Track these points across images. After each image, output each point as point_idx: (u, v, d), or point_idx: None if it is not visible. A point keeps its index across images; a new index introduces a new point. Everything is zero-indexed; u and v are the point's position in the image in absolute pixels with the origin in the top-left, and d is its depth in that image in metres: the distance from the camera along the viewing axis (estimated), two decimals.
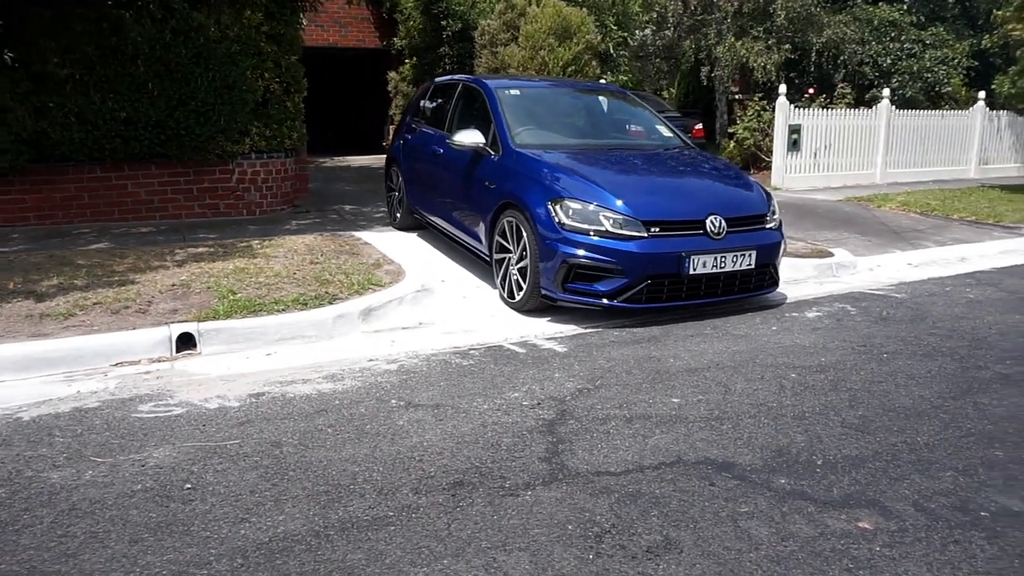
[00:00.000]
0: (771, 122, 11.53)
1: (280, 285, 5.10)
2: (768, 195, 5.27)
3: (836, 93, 12.68)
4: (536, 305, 4.85)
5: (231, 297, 4.76)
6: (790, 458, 2.79)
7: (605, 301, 4.62)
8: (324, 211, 8.94)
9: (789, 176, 11.52)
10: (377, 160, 13.62)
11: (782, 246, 5.09)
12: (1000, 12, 11.33)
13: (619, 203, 4.64)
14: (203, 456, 2.82)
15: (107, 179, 7.80)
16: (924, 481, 2.65)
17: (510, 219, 5.06)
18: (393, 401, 3.36)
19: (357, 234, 7.22)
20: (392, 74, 14.64)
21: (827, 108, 11.82)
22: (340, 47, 15.39)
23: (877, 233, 8.04)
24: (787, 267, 6.22)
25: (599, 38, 10.12)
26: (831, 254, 6.85)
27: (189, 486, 2.60)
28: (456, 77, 6.62)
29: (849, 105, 12.31)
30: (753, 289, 5.02)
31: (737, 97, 12.85)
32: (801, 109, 11.51)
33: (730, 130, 12.61)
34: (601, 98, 6.48)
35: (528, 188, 5.02)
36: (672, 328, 4.59)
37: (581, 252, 4.57)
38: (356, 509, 2.44)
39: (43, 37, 6.90)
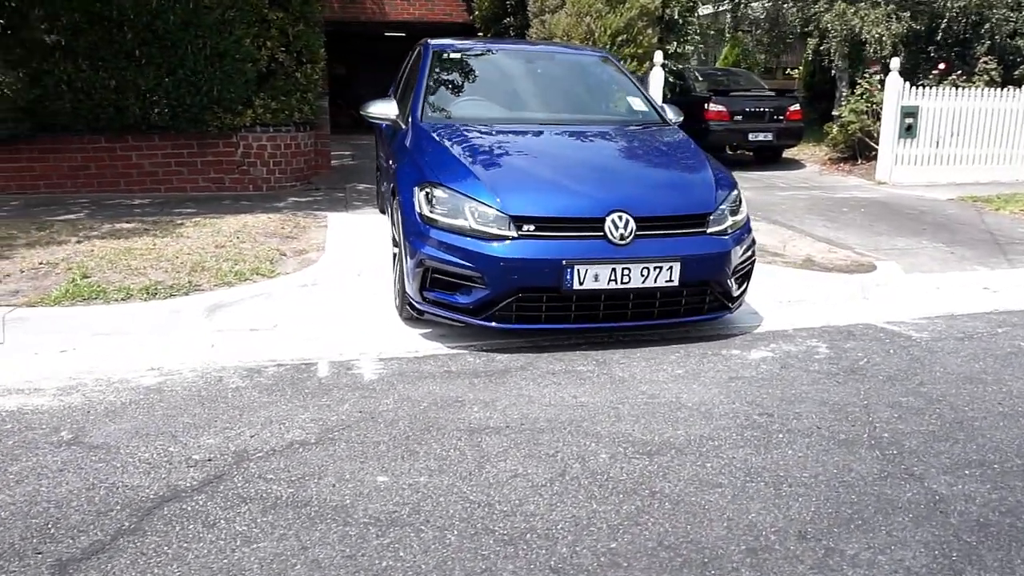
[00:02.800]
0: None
1: (149, 270, 4.58)
2: (725, 189, 3.95)
3: (977, 69, 10.22)
4: (410, 314, 3.94)
5: (78, 281, 4.31)
6: None
7: (466, 317, 3.64)
8: (335, 189, 8.45)
9: (900, 168, 9.46)
10: None
11: (731, 256, 3.77)
12: None
13: (486, 193, 3.60)
14: None
15: (112, 150, 7.78)
16: None
17: (396, 206, 4.19)
18: (64, 433, 2.66)
19: (328, 214, 6.63)
20: None
21: (959, 88, 9.55)
22: (427, 21, 14.96)
23: (971, 244, 6.20)
24: (803, 282, 4.87)
25: (658, 2, 8.74)
26: (873, 268, 5.28)
27: None
28: (423, 40, 5.77)
29: (992, 84, 9.88)
30: (684, 314, 3.78)
31: (867, 75, 10.80)
32: (923, 89, 9.39)
33: (834, 112, 10.63)
34: (571, 66, 5.32)
35: (405, 170, 4.10)
36: (542, 360, 3.50)
37: (438, 252, 3.61)
38: None
39: (34, 4, 6.88)
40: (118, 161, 7.83)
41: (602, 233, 3.54)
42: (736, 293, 3.94)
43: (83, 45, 7.03)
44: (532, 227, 3.53)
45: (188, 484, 2.27)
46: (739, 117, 10.40)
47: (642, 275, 3.55)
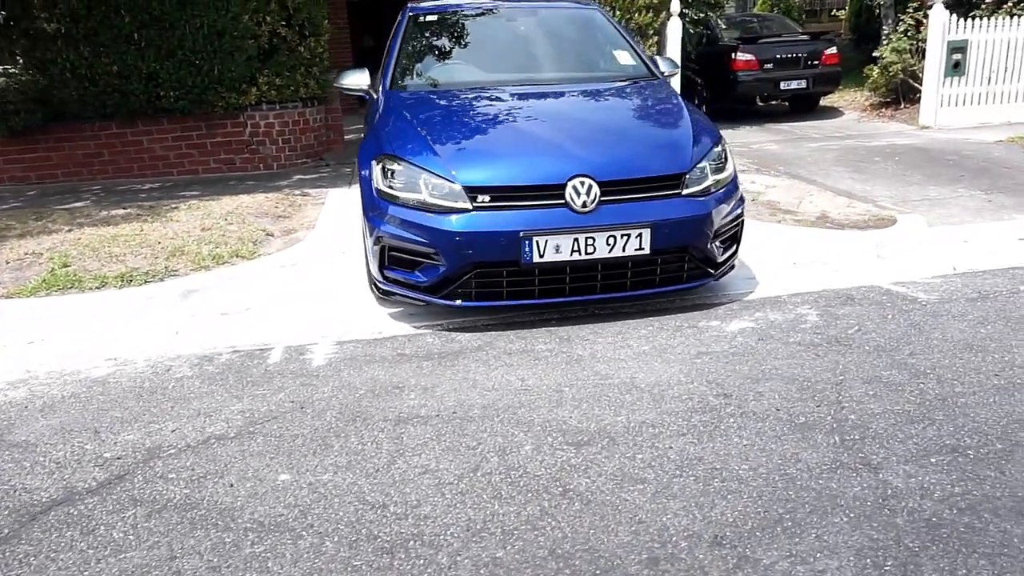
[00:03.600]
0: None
1: (128, 256, 4.56)
2: (705, 146, 3.62)
3: None
4: (379, 294, 3.79)
5: (57, 271, 4.31)
6: None
7: (426, 296, 3.46)
8: (344, 164, 8.31)
9: (946, 111, 8.75)
10: None
11: (712, 219, 3.46)
12: None
13: (441, 164, 3.38)
14: None
15: (123, 135, 7.82)
16: None
17: (359, 181, 4.02)
18: None
19: (328, 191, 6.52)
20: None
21: (1014, 17, 8.71)
22: None
23: (1013, 190, 5.65)
24: (812, 241, 4.55)
25: None
26: (892, 223, 4.86)
27: None
28: (407, 4, 5.50)
29: None
30: (660, 284, 3.50)
31: (911, 9, 9.97)
32: (973, 21, 8.61)
33: (875, 53, 9.87)
34: (556, 22, 4.98)
35: (367, 142, 3.92)
36: (503, 339, 3.30)
37: (395, 229, 3.43)
38: None
39: None
40: (130, 147, 7.88)
41: (563, 201, 3.29)
42: (721, 258, 3.64)
43: (83, 31, 7.03)
44: (487, 198, 3.30)
45: (86, 486, 2.19)
46: (769, 65, 9.78)
47: (608, 244, 3.30)
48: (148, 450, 2.40)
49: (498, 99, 4.07)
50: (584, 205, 3.27)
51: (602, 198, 3.30)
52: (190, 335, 3.60)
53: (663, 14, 8.49)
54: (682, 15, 8.71)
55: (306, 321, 3.69)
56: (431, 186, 3.35)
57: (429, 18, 4.85)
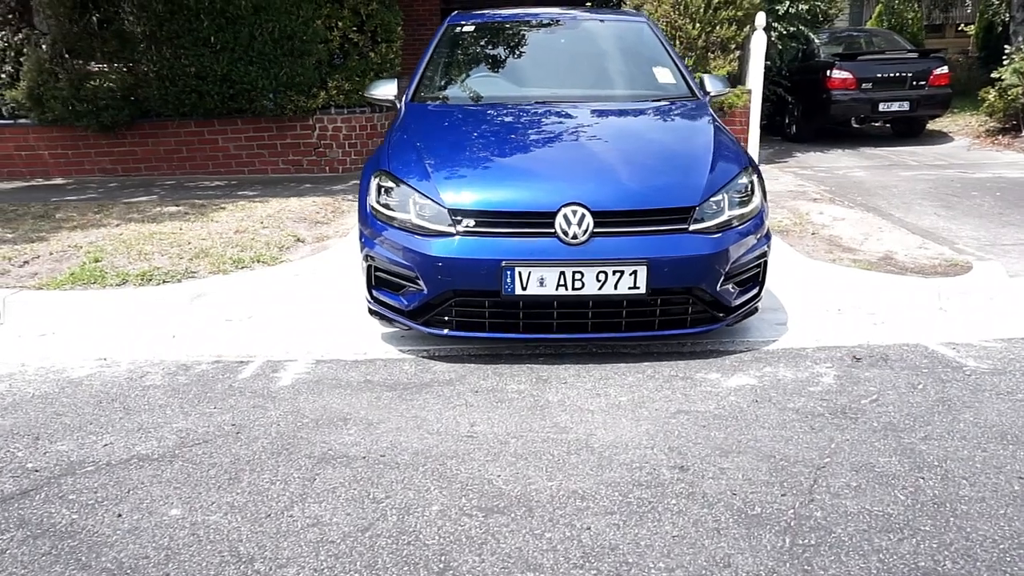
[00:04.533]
0: None
1: (156, 255, 4.66)
2: (725, 177, 3.25)
3: None
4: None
5: (87, 266, 4.46)
6: None
7: (408, 321, 3.30)
8: None
9: None
10: None
11: (723, 258, 3.10)
12: None
13: (431, 184, 3.20)
14: None
15: (200, 134, 8.17)
16: None
17: None
18: None
19: None
20: None
21: None
22: None
23: None
24: (865, 286, 4.09)
25: None
26: (967, 269, 4.28)
27: None
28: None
29: None
30: (661, 327, 3.17)
31: None
32: None
33: (993, 74, 8.90)
34: (598, 35, 4.69)
35: (375, 154, 3.80)
36: (479, 373, 3.08)
37: (382, 249, 3.29)
38: None
39: None
40: (206, 144, 8.21)
41: (553, 231, 3.04)
42: (736, 302, 3.27)
43: (166, 34, 7.37)
44: (472, 222, 3.09)
45: None
46: (868, 84, 9.02)
47: (598, 280, 3.01)
48: (69, 464, 2.36)
49: (513, 116, 3.86)
50: (574, 236, 3.01)
51: (596, 230, 3.03)
52: (184, 340, 3.60)
53: (747, 27, 7.98)
54: (770, 28, 8.15)
55: (297, 334, 3.62)
56: (419, 207, 3.19)
57: (466, 29, 4.70)
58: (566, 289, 3.02)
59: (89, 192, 7.17)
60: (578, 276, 3.01)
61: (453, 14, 4.98)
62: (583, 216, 3.02)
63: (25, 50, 7.68)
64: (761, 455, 2.32)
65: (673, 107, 3.99)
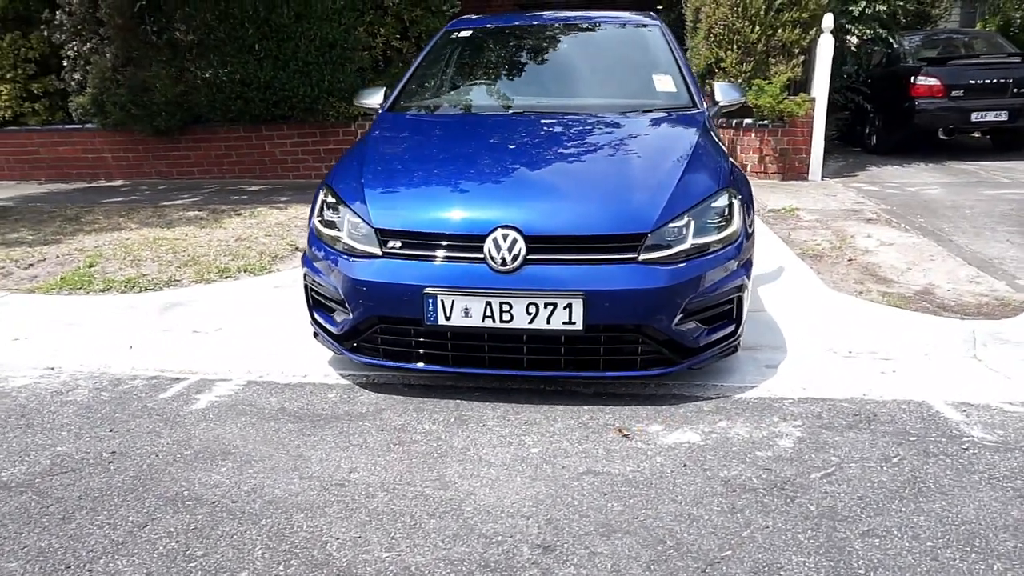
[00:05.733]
0: None
1: (148, 262, 4.69)
2: (691, 200, 2.82)
3: None
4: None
5: (80, 270, 4.53)
6: None
7: (338, 345, 3.07)
8: None
9: None
10: None
11: (679, 292, 2.67)
12: None
13: (363, 202, 2.95)
14: None
15: (248, 139, 8.35)
16: None
17: None
18: None
19: None
20: None
21: None
22: None
23: None
24: (887, 323, 3.62)
25: None
26: (1019, 311, 3.64)
27: None
28: None
29: None
30: (605, 367, 2.80)
31: None
32: None
33: None
34: (601, 39, 4.31)
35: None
36: (402, 407, 2.82)
37: (316, 269, 3.09)
38: None
39: (178, 6, 7.52)
40: (254, 149, 8.38)
41: (483, 256, 2.74)
42: (704, 341, 2.85)
43: (213, 42, 7.55)
44: (398, 244, 2.84)
45: None
46: (959, 92, 8.08)
47: (528, 313, 2.68)
48: None
49: (480, 129, 3.57)
50: (503, 263, 2.69)
51: (530, 256, 2.70)
52: (140, 352, 3.53)
53: (814, 30, 7.32)
54: (841, 31, 7.45)
55: (249, 351, 3.48)
56: (351, 226, 2.96)
57: (462, 34, 4.45)
58: (493, 321, 2.71)
59: (136, 194, 7.43)
60: (506, 308, 2.69)
61: (456, 20, 4.75)
62: (515, 241, 2.70)
63: (92, 59, 8.09)
64: (651, 539, 1.93)
65: (661, 119, 3.58)
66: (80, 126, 8.58)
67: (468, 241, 2.75)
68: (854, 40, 8.56)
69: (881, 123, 8.92)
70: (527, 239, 2.69)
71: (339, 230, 2.99)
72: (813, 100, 7.34)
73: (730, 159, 3.36)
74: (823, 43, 7.28)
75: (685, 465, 2.33)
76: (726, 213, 2.91)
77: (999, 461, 2.31)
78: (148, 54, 7.74)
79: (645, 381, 2.99)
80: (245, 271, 4.54)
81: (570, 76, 4.06)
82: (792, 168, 7.51)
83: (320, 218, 3.13)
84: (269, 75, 7.55)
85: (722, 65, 7.55)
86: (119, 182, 8.39)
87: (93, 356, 3.46)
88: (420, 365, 2.90)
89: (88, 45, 8.10)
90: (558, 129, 3.46)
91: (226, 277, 4.45)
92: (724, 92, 3.92)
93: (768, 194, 6.73)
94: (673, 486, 2.20)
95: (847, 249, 4.82)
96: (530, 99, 3.85)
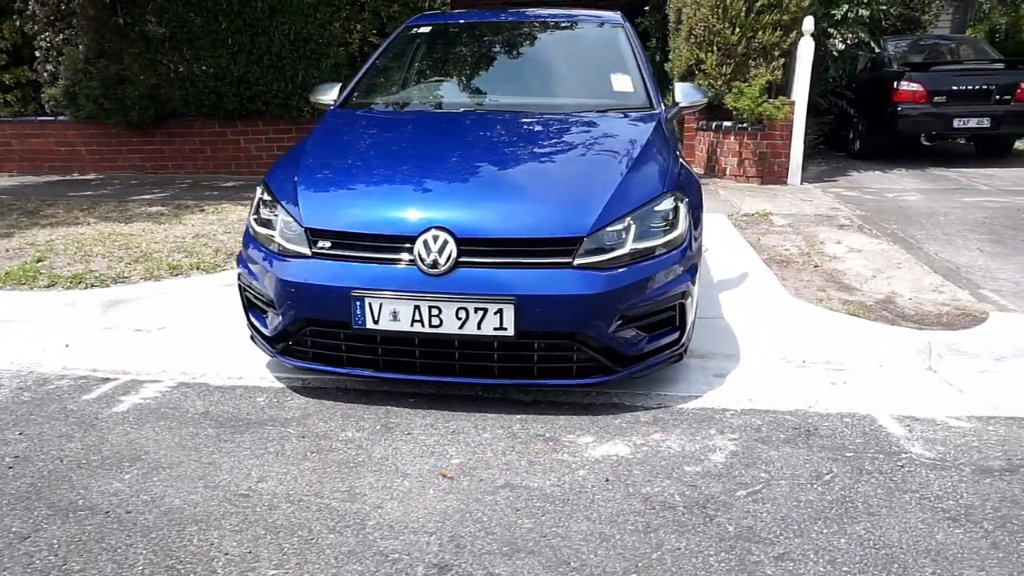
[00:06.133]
0: None
1: (98, 257, 4.57)
2: (629, 202, 2.72)
3: None
4: None
5: (27, 266, 4.42)
6: None
7: (269, 347, 2.97)
8: None
9: None
10: None
11: (614, 298, 2.57)
12: None
13: (294, 201, 2.85)
14: None
15: (223, 134, 8.24)
16: None
17: None
18: None
19: None
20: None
21: None
22: None
23: None
24: (843, 332, 3.52)
25: None
26: (980, 320, 3.55)
27: None
28: None
29: None
30: (540, 375, 2.70)
31: None
32: None
33: None
34: (558, 38, 4.20)
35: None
36: (330, 412, 2.72)
37: (248, 270, 2.99)
38: None
39: None
40: (229, 145, 8.27)
41: (413, 257, 2.64)
42: (645, 349, 2.75)
43: (185, 35, 7.44)
44: (328, 244, 2.74)
45: None
46: (941, 98, 7.99)
47: (458, 318, 2.58)
48: None
49: (425, 128, 3.48)
50: (433, 265, 2.59)
51: (462, 259, 2.60)
52: (74, 350, 3.42)
53: (794, 33, 7.23)
54: (822, 35, 7.36)
55: (188, 351, 3.37)
56: (284, 224, 2.86)
57: (422, 30, 4.35)
58: (422, 325, 2.61)
59: (106, 188, 7.32)
60: (436, 312, 2.59)
61: (419, 15, 4.65)
62: (445, 243, 2.60)
63: (65, 50, 7.97)
64: (555, 559, 1.83)
65: (614, 119, 3.48)
66: (53, 118, 8.46)
67: (398, 242, 2.65)
68: (838, 44, 8.48)
69: (865, 128, 8.84)
70: (459, 241, 2.59)
71: (273, 229, 2.89)
72: (793, 103, 7.25)
73: (681, 161, 3.28)
74: (803, 46, 7.19)
75: (608, 480, 2.23)
76: (671, 217, 2.81)
77: (933, 480, 2.21)
78: (121, 46, 7.62)
79: (586, 389, 2.89)
80: (197, 268, 4.43)
81: (525, 75, 3.96)
82: (771, 172, 7.41)
83: (256, 216, 3.02)
84: (243, 69, 7.44)
85: (702, 67, 7.45)
86: (92, 176, 8.27)
87: (25, 355, 3.35)
88: (348, 370, 2.80)
89: (61, 36, 7.99)
90: (504, 129, 3.36)
91: (177, 274, 4.34)
92: (685, 93, 3.83)
93: (744, 198, 6.64)
94: (591, 502, 2.10)
95: (815, 255, 4.73)
96: (482, 98, 3.75)
